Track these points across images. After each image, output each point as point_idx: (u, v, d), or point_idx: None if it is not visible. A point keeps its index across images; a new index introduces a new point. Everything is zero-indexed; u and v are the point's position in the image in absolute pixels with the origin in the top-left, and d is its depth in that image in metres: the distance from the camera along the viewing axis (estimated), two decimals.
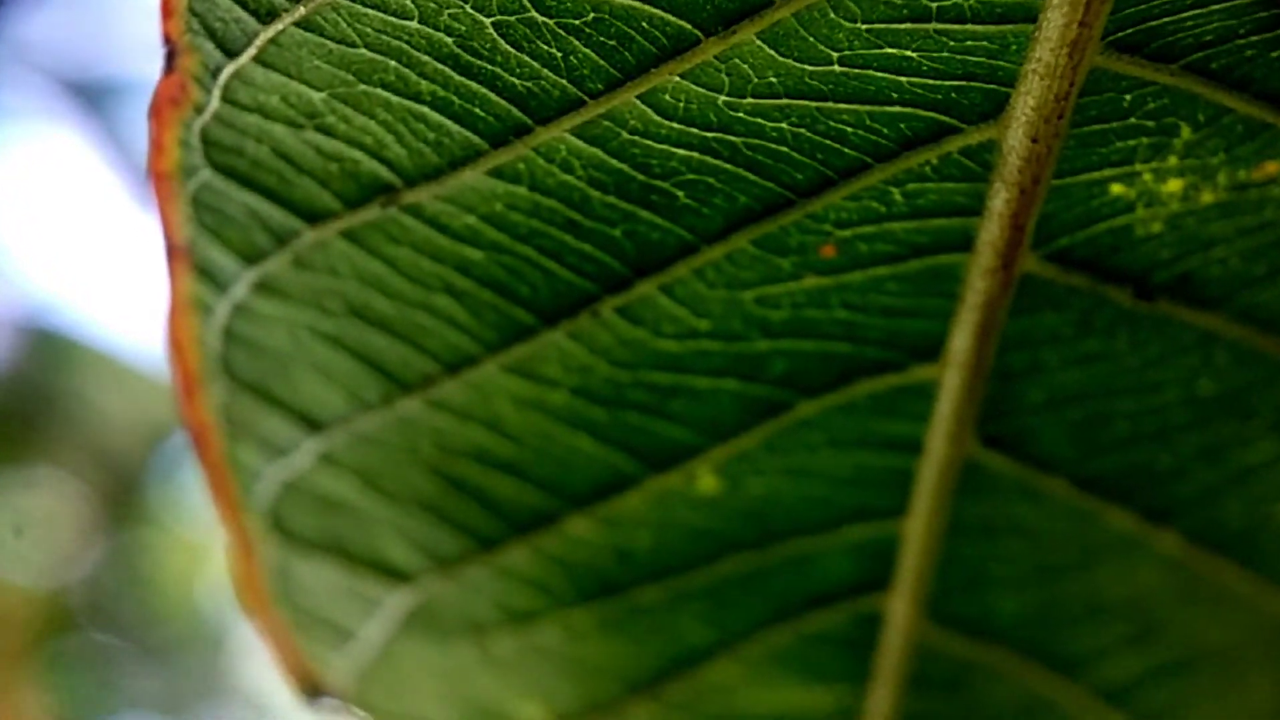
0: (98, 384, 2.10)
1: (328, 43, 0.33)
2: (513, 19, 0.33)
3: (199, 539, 2.24)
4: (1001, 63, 0.33)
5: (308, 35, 0.33)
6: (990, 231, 0.35)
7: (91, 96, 1.84)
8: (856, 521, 0.41)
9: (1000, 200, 0.35)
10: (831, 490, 0.41)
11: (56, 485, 2.13)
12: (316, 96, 0.34)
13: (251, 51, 0.33)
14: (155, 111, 0.33)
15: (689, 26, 0.33)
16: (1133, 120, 0.33)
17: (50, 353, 2.13)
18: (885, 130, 0.34)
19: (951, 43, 0.32)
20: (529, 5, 0.33)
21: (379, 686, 0.46)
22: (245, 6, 0.32)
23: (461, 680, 0.45)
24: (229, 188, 0.36)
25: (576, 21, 0.33)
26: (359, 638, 0.45)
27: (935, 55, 0.33)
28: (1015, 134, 0.33)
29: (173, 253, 0.36)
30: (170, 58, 0.32)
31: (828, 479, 0.40)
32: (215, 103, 0.34)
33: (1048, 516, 0.41)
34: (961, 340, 0.37)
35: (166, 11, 0.31)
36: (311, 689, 0.46)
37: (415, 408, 0.39)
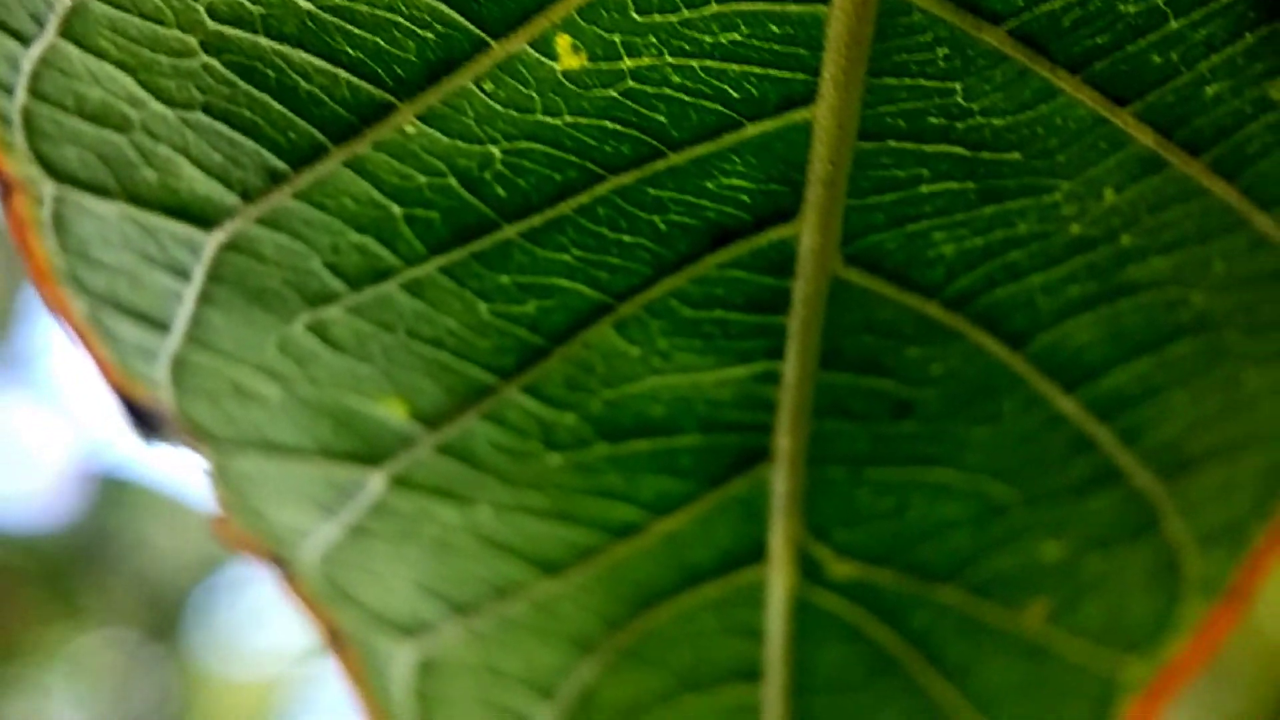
0: (148, 522, 2.02)
1: None
2: None
3: (242, 680, 2.15)
4: None
5: None
6: None
7: None
8: (761, 117, 0.30)
9: None
10: (725, 64, 0.30)
11: (105, 628, 2.04)
12: None
13: None
14: None
15: None
16: None
17: (105, 495, 2.05)
18: None
19: None
20: None
21: (200, 396, 0.35)
22: None
23: (299, 375, 0.34)
24: None
25: None
26: (172, 331, 0.34)
27: None
28: None
29: None
30: None
31: (716, 47, 0.30)
32: None
33: (990, 99, 0.30)
34: None
35: None
36: (137, 413, 0.36)
37: None
